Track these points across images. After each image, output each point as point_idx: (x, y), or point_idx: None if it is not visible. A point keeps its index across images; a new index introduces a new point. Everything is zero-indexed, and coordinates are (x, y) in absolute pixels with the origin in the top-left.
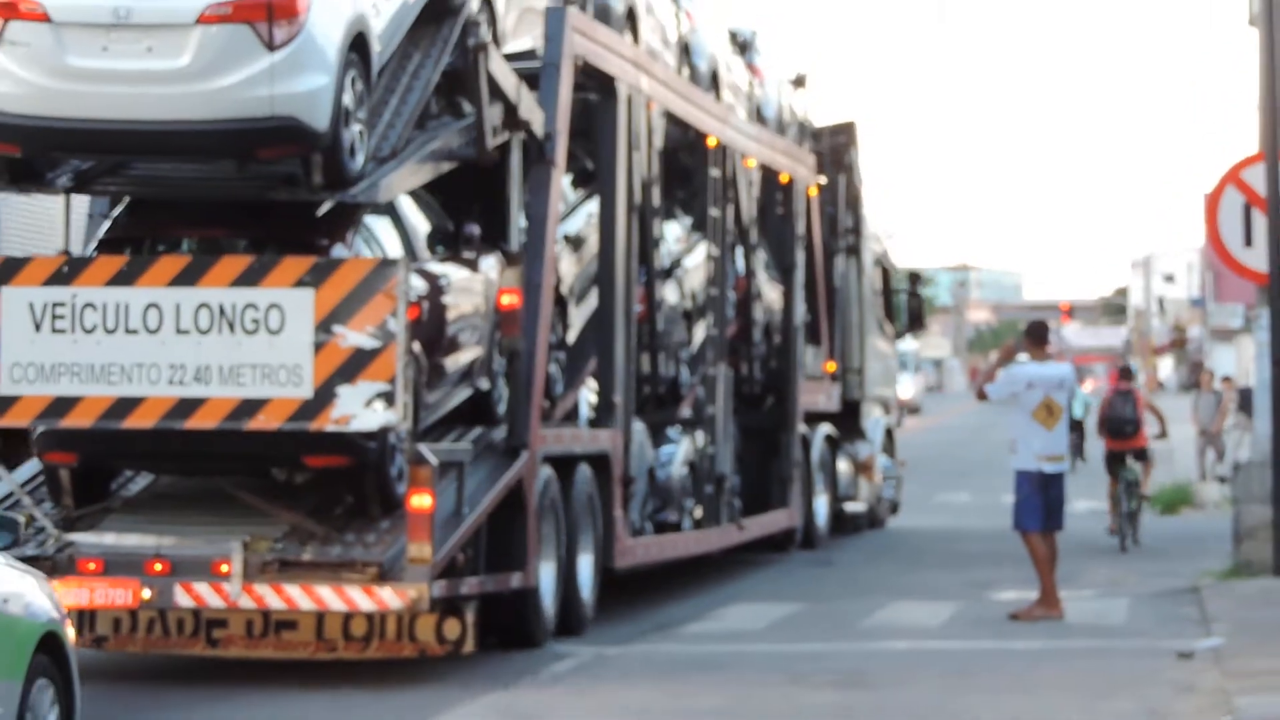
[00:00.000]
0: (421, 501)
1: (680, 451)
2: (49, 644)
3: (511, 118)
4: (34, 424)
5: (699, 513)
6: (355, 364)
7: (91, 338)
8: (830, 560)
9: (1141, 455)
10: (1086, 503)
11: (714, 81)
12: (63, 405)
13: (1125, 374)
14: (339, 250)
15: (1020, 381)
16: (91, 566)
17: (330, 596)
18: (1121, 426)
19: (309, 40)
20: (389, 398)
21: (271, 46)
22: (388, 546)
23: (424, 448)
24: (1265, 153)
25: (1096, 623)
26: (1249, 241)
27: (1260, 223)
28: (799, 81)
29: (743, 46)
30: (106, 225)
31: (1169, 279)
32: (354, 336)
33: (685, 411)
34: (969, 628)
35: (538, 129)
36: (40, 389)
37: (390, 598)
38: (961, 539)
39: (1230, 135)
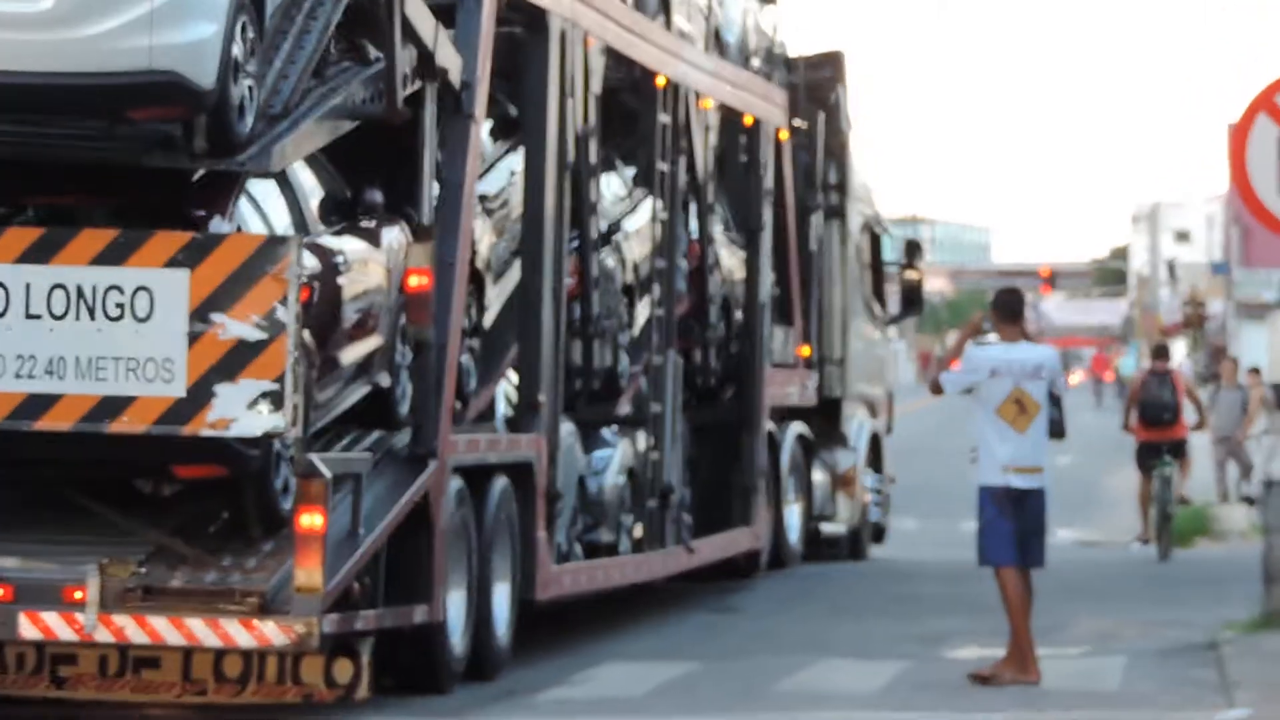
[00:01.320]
0: (312, 521)
1: (617, 457)
2: None
3: (426, 65)
4: None
5: (639, 531)
6: (237, 359)
7: None
8: (733, 606)
9: (1179, 450)
10: (1067, 532)
11: (663, 2)
12: None
13: (1160, 353)
14: (218, 224)
15: (982, 368)
16: None
17: (203, 631)
18: (1159, 413)
19: None
20: (276, 399)
21: None
22: (271, 573)
23: (315, 458)
24: None
25: (1083, 688)
26: None
27: None
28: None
29: None
30: None
31: (1182, 237)
32: (236, 326)
33: (624, 408)
34: (915, 694)
35: (455, 77)
36: None
37: (274, 633)
38: (908, 578)
39: (1261, 51)
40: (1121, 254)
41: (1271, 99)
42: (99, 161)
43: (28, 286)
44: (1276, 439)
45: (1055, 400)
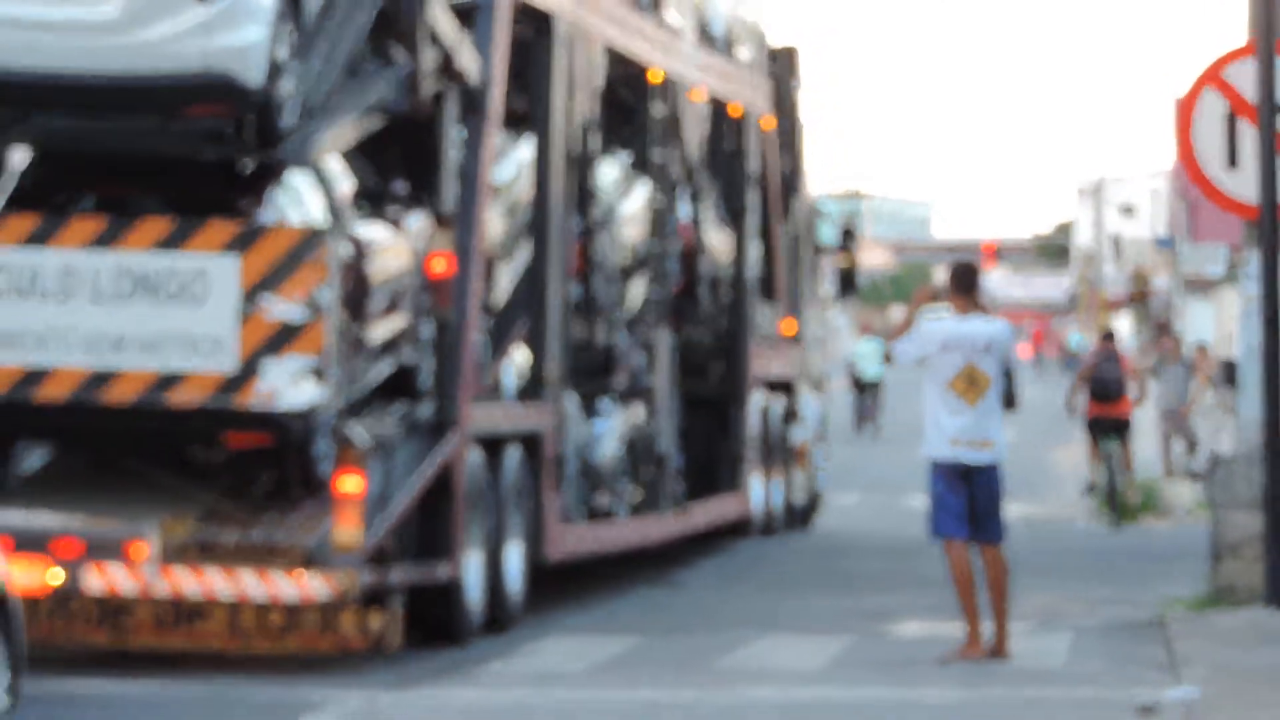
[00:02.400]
0: (351, 484)
1: (615, 428)
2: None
3: (447, 66)
4: None
5: (636, 497)
6: (283, 337)
7: (2, 302)
8: (675, 580)
9: (1122, 428)
10: (1011, 507)
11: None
12: None
13: (1109, 337)
14: (261, 212)
15: (933, 340)
16: None
17: (253, 583)
18: (1105, 388)
19: None
20: (318, 373)
21: None
22: (313, 531)
23: (355, 427)
24: (1257, 43)
25: (1030, 665)
26: (1233, 161)
27: (1249, 136)
28: None
29: None
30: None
31: (1127, 212)
32: (282, 308)
33: (621, 381)
34: (859, 671)
35: (473, 79)
36: None
37: (318, 586)
38: (849, 553)
39: (1209, 26)
40: (1066, 229)
41: (1218, 74)
42: (153, 154)
43: (96, 271)
44: (1223, 415)
45: (1008, 374)
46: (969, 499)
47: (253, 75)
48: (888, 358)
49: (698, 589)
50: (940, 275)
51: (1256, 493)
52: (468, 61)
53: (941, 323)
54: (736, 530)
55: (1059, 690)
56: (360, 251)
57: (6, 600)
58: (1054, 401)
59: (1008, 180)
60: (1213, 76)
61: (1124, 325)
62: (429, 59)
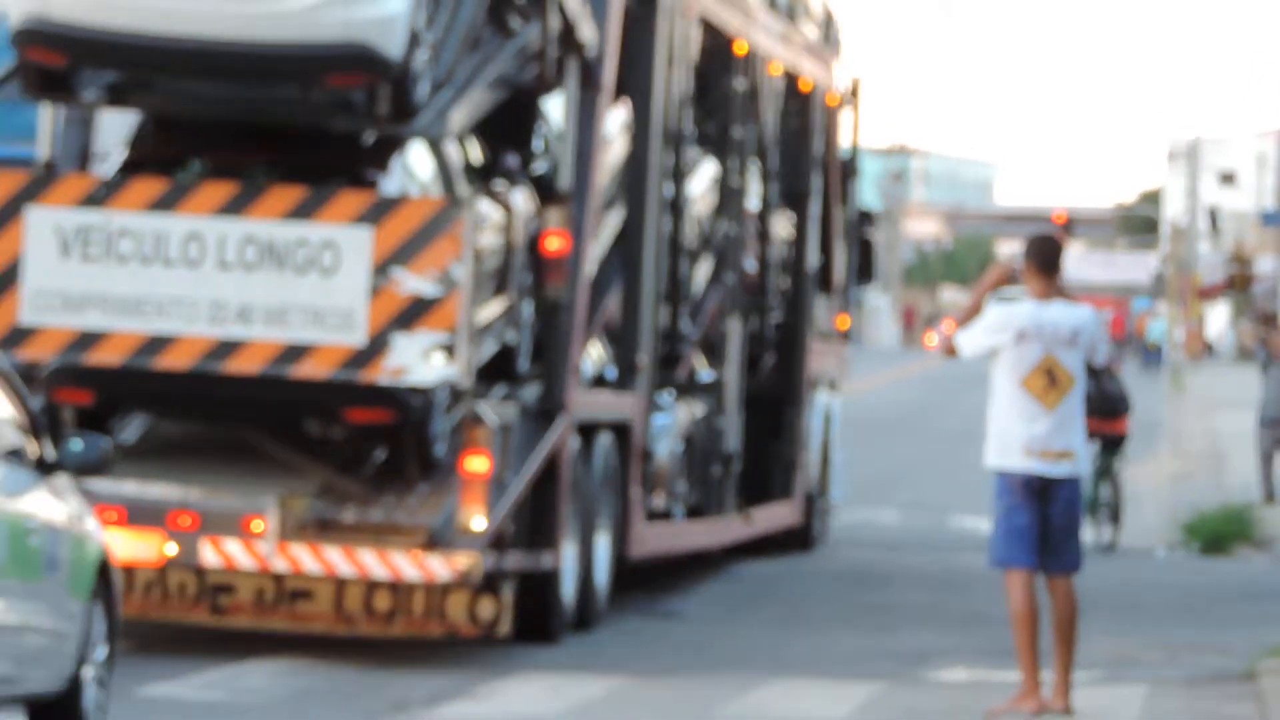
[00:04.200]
0: (478, 465)
1: (675, 423)
2: (103, 570)
3: (569, 38)
4: (56, 359)
5: (693, 498)
6: (414, 312)
7: (125, 268)
8: (668, 610)
9: (1119, 445)
10: (1086, 531)
11: None
12: (88, 340)
13: None
14: (386, 183)
15: (1007, 328)
16: (112, 516)
17: (373, 562)
18: (1107, 403)
19: None
20: (449, 350)
21: None
22: (435, 511)
23: (484, 406)
24: None
25: None
26: None
27: None
28: None
29: None
30: (129, 144)
31: (1227, 180)
32: (414, 282)
33: (689, 373)
34: None
35: (592, 51)
36: (65, 321)
37: (440, 567)
38: (885, 583)
39: None
40: (1153, 198)
41: None
42: (284, 123)
43: (223, 238)
44: None
45: (1094, 374)
46: (1041, 520)
47: (393, 46)
48: (950, 350)
49: (697, 621)
50: (1005, 250)
51: None
52: (588, 33)
53: (1017, 306)
54: (791, 540)
55: None
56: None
57: (109, 569)
58: (1138, 404)
59: (1085, 140)
60: None
61: (1220, 315)
62: (554, 30)
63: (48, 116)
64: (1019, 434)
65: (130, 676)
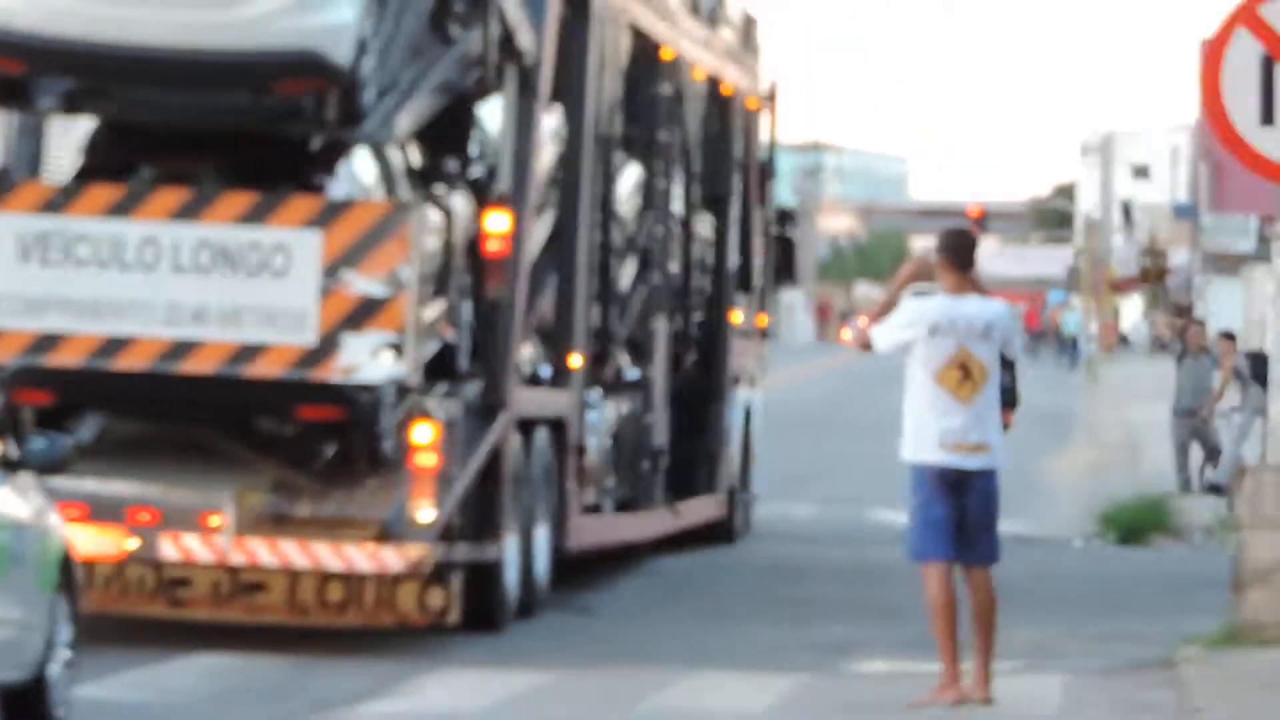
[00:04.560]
0: (427, 459)
1: (605, 420)
2: (66, 564)
3: (508, 45)
4: (16, 361)
5: (622, 493)
6: (363, 312)
7: (83, 272)
8: (587, 605)
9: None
10: (1003, 522)
11: None
12: (48, 342)
13: None
14: (334, 187)
15: (920, 322)
16: (74, 513)
17: (328, 555)
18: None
19: None
20: (398, 348)
21: None
22: (386, 505)
23: (432, 403)
24: None
25: (1016, 712)
26: (1269, 117)
27: None
28: None
29: None
30: (82, 154)
31: (1140, 173)
32: (363, 283)
33: (611, 371)
34: (810, 716)
35: (530, 58)
36: (25, 323)
37: (392, 559)
38: (803, 576)
39: None
40: (1067, 192)
41: (1254, 11)
42: (232, 129)
43: (177, 242)
44: (1249, 417)
45: (1008, 365)
46: (958, 512)
47: (342, 54)
48: (864, 345)
49: (615, 616)
50: (919, 245)
51: None
52: (526, 40)
53: (930, 301)
54: (714, 534)
55: None
56: None
57: (71, 564)
58: (1046, 398)
59: (999, 133)
60: (1247, 15)
61: (1134, 308)
62: (494, 37)
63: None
64: (933, 428)
65: None
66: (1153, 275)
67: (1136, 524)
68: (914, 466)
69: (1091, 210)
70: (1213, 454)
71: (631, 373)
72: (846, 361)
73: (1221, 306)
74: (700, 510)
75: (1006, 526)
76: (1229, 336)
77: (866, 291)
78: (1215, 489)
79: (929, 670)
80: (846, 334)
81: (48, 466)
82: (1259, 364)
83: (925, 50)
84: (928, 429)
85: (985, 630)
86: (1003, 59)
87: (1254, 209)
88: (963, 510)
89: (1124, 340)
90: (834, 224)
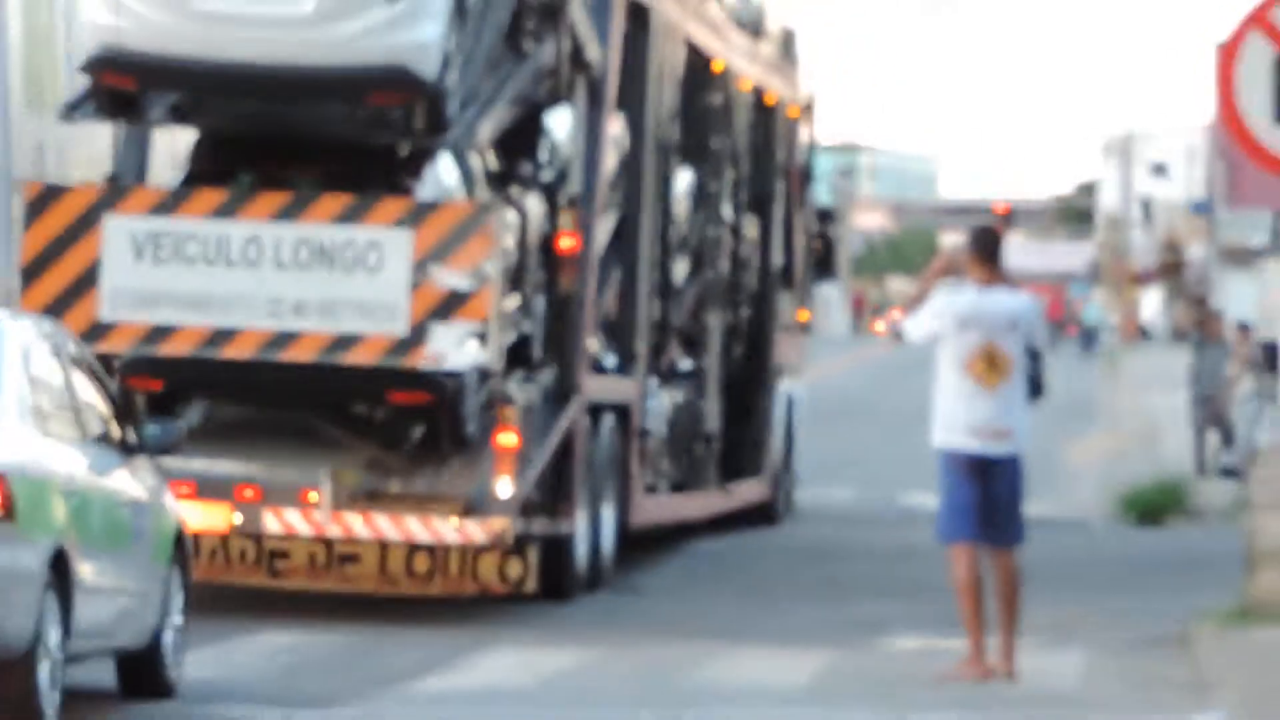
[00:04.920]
0: (508, 439)
1: (662, 406)
2: (179, 539)
3: (577, 58)
4: (130, 351)
5: (678, 474)
6: (451, 304)
7: (192, 269)
8: (633, 585)
9: None
10: (1028, 505)
11: None
12: (160, 334)
13: None
14: (423, 190)
15: (948, 315)
16: (184, 490)
17: (417, 528)
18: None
19: None
20: (483, 338)
21: None
22: (470, 482)
23: (513, 388)
24: None
25: (1038, 687)
26: None
27: None
28: None
29: None
30: (189, 159)
31: (1159, 172)
32: (450, 277)
33: (668, 361)
34: (844, 689)
35: (598, 70)
36: (139, 316)
37: (476, 531)
38: (839, 557)
39: None
40: (1089, 190)
41: (1266, 15)
42: (329, 138)
43: (279, 240)
44: (1262, 404)
45: (1034, 355)
46: (984, 496)
47: (429, 68)
48: (897, 336)
49: (661, 595)
50: (949, 241)
51: None
52: (594, 53)
53: (959, 295)
54: (760, 515)
55: (1070, 714)
56: None
57: (183, 537)
58: (1070, 386)
59: (1025, 134)
60: (1259, 19)
61: (1153, 300)
62: (565, 51)
63: (110, 136)
64: (961, 415)
65: None
66: (1171, 269)
67: (1154, 506)
68: (943, 452)
69: (1112, 207)
70: (1229, 438)
71: (685, 363)
72: (880, 353)
73: (1236, 298)
74: (748, 492)
75: (1030, 509)
76: (1244, 327)
77: (899, 286)
78: (1229, 472)
79: (956, 646)
80: (880, 326)
81: (162, 449)
82: (1271, 353)
83: (955, 54)
84: (956, 416)
85: (1009, 608)
86: (1028, 62)
87: (1267, 204)
88: (989, 494)
89: (1143, 331)
90: (867, 221)
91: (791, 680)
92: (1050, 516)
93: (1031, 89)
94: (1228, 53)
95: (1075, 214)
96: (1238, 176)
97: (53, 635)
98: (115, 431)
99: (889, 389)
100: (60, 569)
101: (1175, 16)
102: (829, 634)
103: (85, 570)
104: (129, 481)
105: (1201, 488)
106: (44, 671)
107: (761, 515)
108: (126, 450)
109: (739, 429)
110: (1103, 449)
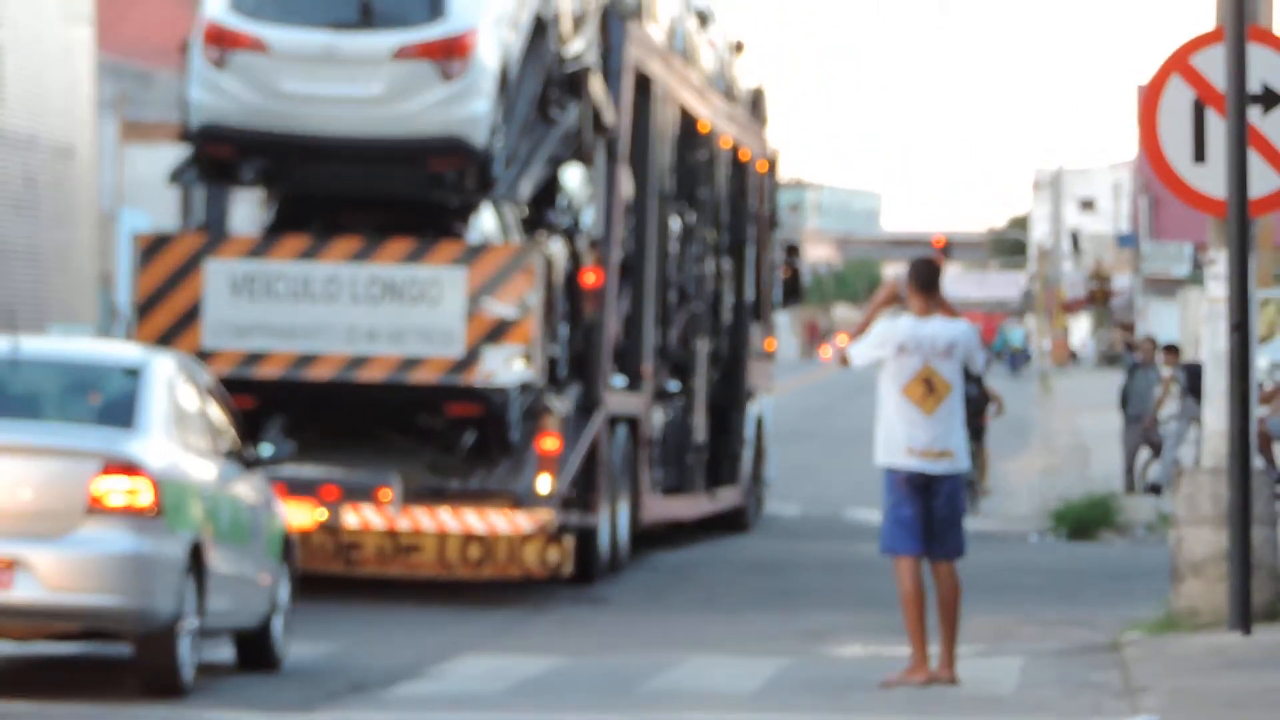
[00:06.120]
0: (551, 443)
1: (659, 421)
2: (286, 538)
3: (598, 123)
4: (228, 373)
5: (670, 480)
6: (500, 330)
7: (280, 304)
8: (598, 596)
9: (978, 434)
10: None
11: (692, 63)
12: (254, 359)
13: None
14: (471, 234)
15: (888, 341)
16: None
17: (474, 520)
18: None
19: (477, 73)
20: (528, 358)
21: (448, 78)
22: (517, 480)
23: (555, 400)
24: (1226, 27)
25: (978, 691)
26: (1200, 155)
27: (1217, 128)
28: (738, 47)
29: (703, 20)
30: (274, 213)
31: (1087, 206)
32: (499, 308)
33: (664, 382)
34: (794, 695)
35: (613, 131)
36: (236, 345)
37: (524, 521)
38: (787, 569)
39: (1176, 8)
40: (1021, 223)
41: (1186, 60)
42: (391, 196)
43: (354, 279)
44: (1184, 424)
45: (976, 380)
46: (926, 511)
47: (480, 137)
48: (843, 360)
49: (622, 606)
50: (891, 272)
51: (1222, 508)
52: (611, 117)
53: (898, 322)
54: (736, 519)
55: (1009, 718)
56: None
57: (289, 537)
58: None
59: (961, 171)
60: (1179, 63)
61: (1082, 326)
62: (588, 116)
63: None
64: (902, 436)
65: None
66: (1099, 297)
67: (1086, 521)
68: (886, 470)
69: (1044, 239)
70: (1157, 451)
71: (672, 384)
72: (827, 376)
73: (1160, 325)
74: (729, 497)
75: (969, 523)
76: (1172, 349)
77: (844, 314)
78: (1155, 489)
79: (900, 654)
80: (827, 351)
81: (275, 463)
82: (1194, 376)
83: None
84: (897, 437)
85: (950, 617)
86: (963, 102)
87: (1188, 237)
88: (930, 510)
89: (1074, 356)
90: (814, 253)
91: (745, 686)
92: (989, 530)
93: (967, 128)
94: (1150, 94)
95: (1009, 246)
96: (1160, 211)
97: (190, 613)
98: (237, 447)
99: (836, 410)
100: (197, 559)
101: (1100, 58)
102: (779, 642)
103: (216, 560)
104: (248, 489)
105: (1129, 503)
106: (184, 645)
107: (736, 520)
108: (246, 463)
109: (718, 443)
110: (1037, 466)
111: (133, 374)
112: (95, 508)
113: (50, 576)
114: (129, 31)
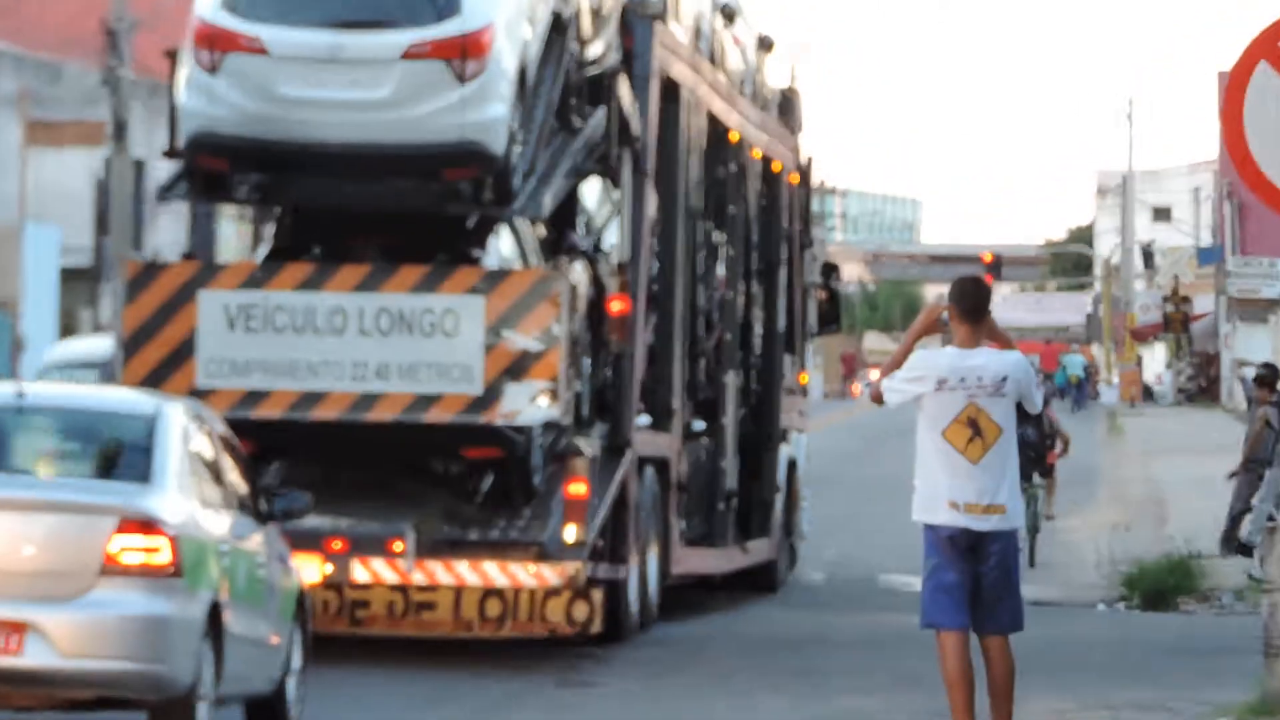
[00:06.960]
0: (579, 489)
1: (687, 464)
2: (300, 597)
3: (625, 133)
4: (226, 414)
5: (698, 530)
6: (522, 364)
7: (282, 338)
8: (586, 678)
9: (1047, 471)
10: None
11: (719, 65)
12: (253, 398)
13: None
14: (488, 259)
15: (928, 376)
16: None
17: (495, 573)
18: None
19: (493, 74)
20: (553, 394)
21: (463, 80)
22: (541, 529)
23: (583, 440)
24: None
25: None
26: None
27: None
28: (766, 45)
29: (729, 17)
30: (272, 236)
31: (1161, 215)
32: (521, 339)
33: (691, 420)
34: None
35: (640, 143)
36: (233, 383)
37: (551, 574)
38: (810, 644)
39: None
40: (1084, 236)
41: (1275, 43)
42: (403, 212)
43: (361, 310)
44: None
45: (1035, 420)
46: (972, 578)
47: (498, 144)
48: (876, 398)
49: (615, 689)
50: (931, 294)
51: None
52: (637, 127)
53: (939, 354)
54: (762, 577)
55: None
56: None
57: (304, 595)
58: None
59: (1012, 175)
60: (1268, 47)
61: (1157, 356)
62: (614, 126)
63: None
64: (943, 488)
65: None
66: (1176, 322)
67: (1163, 586)
68: (925, 528)
69: (1110, 254)
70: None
71: (699, 423)
72: (862, 415)
73: (1249, 354)
74: (760, 550)
75: (1026, 590)
76: (1265, 382)
77: (876, 342)
78: (1245, 548)
79: None
80: (857, 389)
81: (289, 516)
82: None
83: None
84: (937, 489)
85: (1003, 702)
86: (1014, 97)
87: None
88: (978, 576)
89: (1148, 391)
90: (842, 272)
91: None
92: (1049, 598)
93: (1020, 126)
94: (1234, 84)
95: (1070, 262)
96: (1248, 220)
97: (208, 678)
98: (250, 499)
99: (870, 454)
100: (215, 620)
101: (1177, 42)
102: None
103: (233, 621)
104: (263, 544)
105: (1213, 566)
106: (203, 711)
107: (764, 577)
108: (260, 517)
109: (747, 488)
110: (1106, 522)
111: (145, 423)
112: (111, 567)
113: (63, 641)
114: (34, 18)
